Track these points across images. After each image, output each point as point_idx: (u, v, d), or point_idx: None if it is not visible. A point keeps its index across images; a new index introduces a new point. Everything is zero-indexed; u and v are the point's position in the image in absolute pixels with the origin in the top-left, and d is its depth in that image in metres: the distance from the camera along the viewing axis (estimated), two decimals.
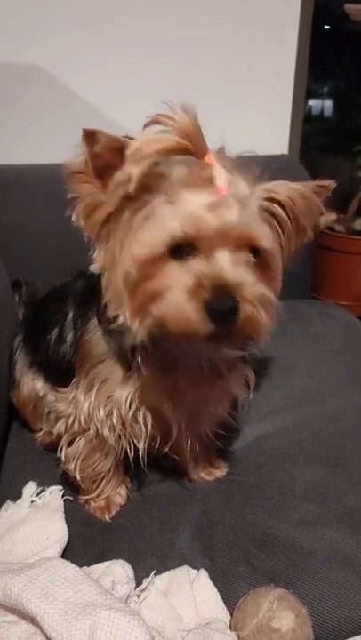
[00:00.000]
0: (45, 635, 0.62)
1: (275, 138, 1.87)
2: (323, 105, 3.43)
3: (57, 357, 0.91)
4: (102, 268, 0.72)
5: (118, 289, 0.69)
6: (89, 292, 0.85)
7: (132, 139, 0.64)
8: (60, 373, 0.90)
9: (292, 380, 1.21)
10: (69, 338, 0.89)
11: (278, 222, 0.75)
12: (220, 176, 0.66)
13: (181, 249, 0.65)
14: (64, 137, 1.58)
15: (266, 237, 0.69)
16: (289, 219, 0.75)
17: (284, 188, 0.74)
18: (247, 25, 1.69)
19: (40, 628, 0.62)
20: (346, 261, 2.03)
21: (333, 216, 2.12)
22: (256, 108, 1.79)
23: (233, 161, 0.70)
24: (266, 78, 1.78)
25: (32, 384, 1.00)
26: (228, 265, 0.65)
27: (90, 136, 0.66)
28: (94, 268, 0.73)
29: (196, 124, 0.64)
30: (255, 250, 0.68)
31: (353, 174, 2.23)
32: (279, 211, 0.74)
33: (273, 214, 0.74)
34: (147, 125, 0.64)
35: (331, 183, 0.78)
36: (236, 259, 0.66)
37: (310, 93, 3.29)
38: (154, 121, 0.64)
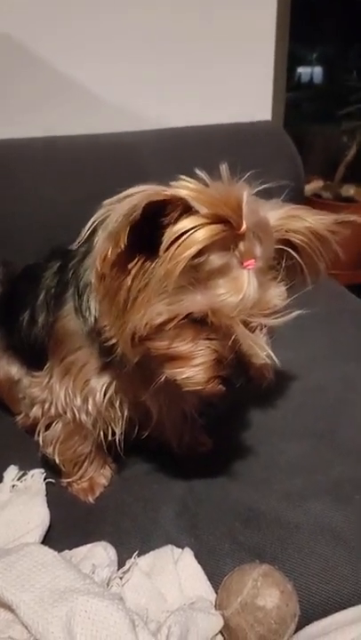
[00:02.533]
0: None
1: (258, 104, 1.82)
2: (312, 72, 3.36)
3: (29, 340, 0.89)
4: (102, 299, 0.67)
5: (118, 326, 0.66)
6: (62, 273, 0.83)
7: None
8: (33, 356, 0.87)
9: (277, 351, 1.18)
10: (41, 320, 0.86)
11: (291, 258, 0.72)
12: (250, 251, 0.62)
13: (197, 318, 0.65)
14: (39, 109, 1.56)
15: (279, 298, 0.67)
16: (302, 259, 0.71)
17: (300, 227, 0.69)
18: None
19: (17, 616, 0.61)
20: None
21: (320, 183, 2.08)
22: (238, 74, 1.74)
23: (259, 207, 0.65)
24: (247, 43, 1.72)
25: (7, 368, 0.98)
26: (245, 340, 0.66)
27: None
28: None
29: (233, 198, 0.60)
30: None
31: (340, 140, 2.18)
32: (293, 253, 0.71)
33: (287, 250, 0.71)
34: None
35: (347, 217, 0.72)
36: (252, 327, 0.66)
37: (299, 61, 3.22)
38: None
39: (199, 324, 0.65)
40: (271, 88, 1.82)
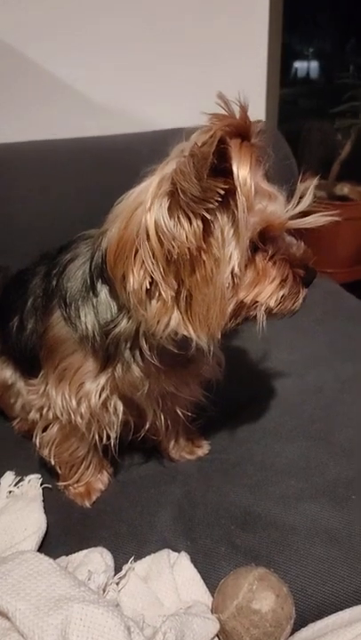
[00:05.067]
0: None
1: (251, 103, 1.80)
2: (309, 67, 3.34)
3: (20, 346, 0.89)
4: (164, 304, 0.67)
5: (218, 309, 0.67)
6: (47, 281, 0.83)
7: None
8: (25, 361, 0.88)
9: (273, 352, 1.19)
10: (30, 326, 0.87)
11: None
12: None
13: (256, 245, 0.69)
14: (35, 112, 1.55)
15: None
16: None
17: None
18: None
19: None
20: (328, 228, 1.98)
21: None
22: (230, 74, 1.73)
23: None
24: (239, 40, 1.72)
25: (1, 373, 0.98)
26: (292, 240, 0.73)
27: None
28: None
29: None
30: None
31: (334, 137, 2.18)
32: None
33: None
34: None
35: None
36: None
37: (296, 55, 3.20)
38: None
39: (258, 251, 0.69)
40: (265, 88, 1.81)
